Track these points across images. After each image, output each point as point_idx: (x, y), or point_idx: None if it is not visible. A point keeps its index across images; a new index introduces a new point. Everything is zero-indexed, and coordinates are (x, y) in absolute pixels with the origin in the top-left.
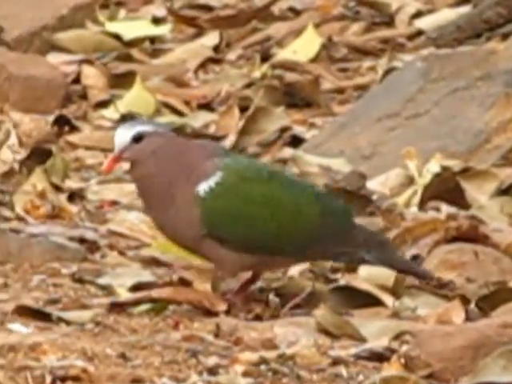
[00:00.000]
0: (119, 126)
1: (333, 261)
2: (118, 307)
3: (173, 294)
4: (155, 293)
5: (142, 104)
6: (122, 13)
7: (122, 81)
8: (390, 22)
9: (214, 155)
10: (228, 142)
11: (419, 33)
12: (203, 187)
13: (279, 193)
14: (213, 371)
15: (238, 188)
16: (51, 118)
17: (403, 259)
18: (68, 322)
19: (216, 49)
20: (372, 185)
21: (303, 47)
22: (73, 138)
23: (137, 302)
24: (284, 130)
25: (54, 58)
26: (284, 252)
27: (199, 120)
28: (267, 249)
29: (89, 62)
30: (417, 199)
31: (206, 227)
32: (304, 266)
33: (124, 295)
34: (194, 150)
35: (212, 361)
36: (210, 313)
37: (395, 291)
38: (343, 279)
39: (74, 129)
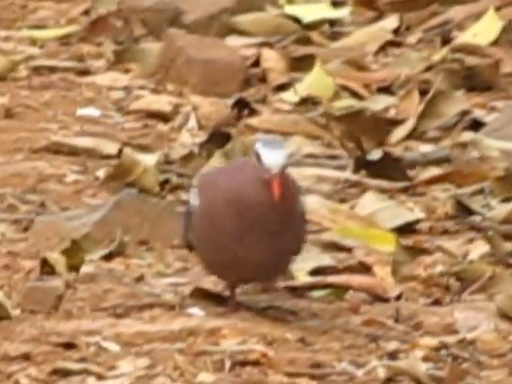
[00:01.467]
0: (264, 144)
1: None
2: (293, 291)
3: (346, 280)
4: (330, 279)
5: (322, 87)
6: None
7: (301, 64)
8: None
9: None
10: (408, 125)
11: None
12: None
13: None
14: (393, 356)
15: None
16: (230, 102)
17: None
18: (247, 307)
19: (396, 32)
20: None
21: (483, 30)
22: (252, 121)
23: (311, 287)
24: (464, 113)
25: (232, 41)
26: None
27: (379, 103)
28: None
29: (268, 45)
30: None
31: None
32: (484, 249)
33: (301, 279)
34: None
35: (392, 346)
36: (386, 298)
37: None
38: None
39: (253, 112)
